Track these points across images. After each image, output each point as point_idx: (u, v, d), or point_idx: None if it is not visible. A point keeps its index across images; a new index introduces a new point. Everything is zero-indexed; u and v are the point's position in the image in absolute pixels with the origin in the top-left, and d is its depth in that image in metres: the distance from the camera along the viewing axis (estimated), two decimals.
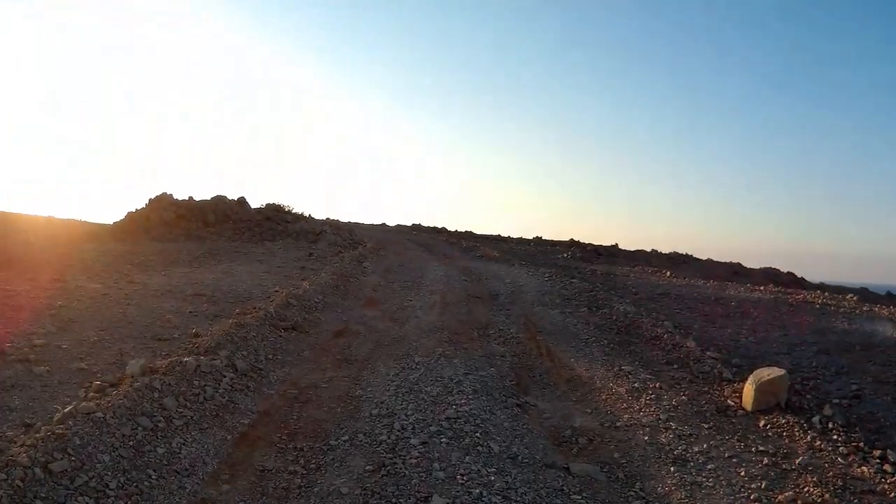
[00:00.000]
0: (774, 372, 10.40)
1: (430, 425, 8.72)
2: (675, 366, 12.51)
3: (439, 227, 54.84)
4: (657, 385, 11.24)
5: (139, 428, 7.34)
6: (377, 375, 10.83)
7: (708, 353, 12.96)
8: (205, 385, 8.91)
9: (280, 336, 12.36)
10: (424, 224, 55.46)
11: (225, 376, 9.46)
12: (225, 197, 35.69)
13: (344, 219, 51.98)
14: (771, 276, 45.38)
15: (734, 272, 44.78)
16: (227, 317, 13.03)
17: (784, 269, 47.69)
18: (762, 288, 23.80)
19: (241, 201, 36.18)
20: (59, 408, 7.55)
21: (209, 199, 34.85)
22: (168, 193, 34.13)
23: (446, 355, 12.23)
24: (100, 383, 8.44)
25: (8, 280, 15.40)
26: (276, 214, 36.56)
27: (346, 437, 8.28)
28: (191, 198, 34.45)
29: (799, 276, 46.60)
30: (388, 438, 8.27)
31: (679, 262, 45.81)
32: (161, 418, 7.70)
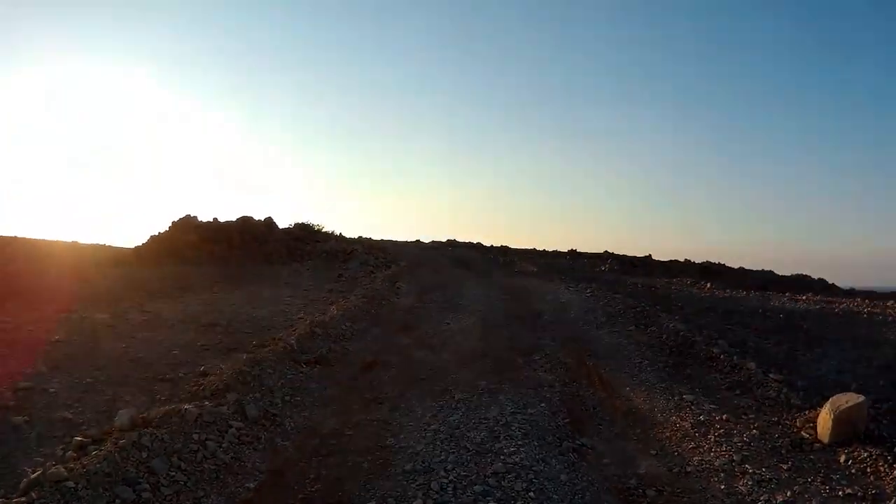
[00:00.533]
0: (853, 399, 9.06)
1: (475, 484, 7.25)
2: (738, 391, 11.16)
3: (475, 242, 53.34)
4: (724, 417, 9.85)
5: (117, 500, 5.98)
6: (411, 417, 9.40)
7: (770, 374, 11.64)
8: (206, 439, 7.52)
9: (301, 372, 10.99)
10: (460, 240, 53.93)
11: (231, 426, 8.08)
12: (251, 217, 34.48)
13: (377, 237, 50.81)
14: (803, 283, 44.09)
15: (767, 280, 43.49)
16: (243, 350, 11.75)
17: (814, 276, 46.90)
18: (803, 297, 22.55)
19: (269, 222, 34.96)
20: (29, 471, 6.23)
21: (235, 220, 33.63)
22: (192, 215, 32.98)
23: (490, 390, 10.76)
24: (81, 439, 7.10)
25: (11, 312, 14.16)
26: (305, 234, 35.42)
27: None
28: (215, 219, 33.28)
29: (828, 282, 45.86)
30: None
31: (713, 273, 44.36)
32: (147, 486, 6.34)
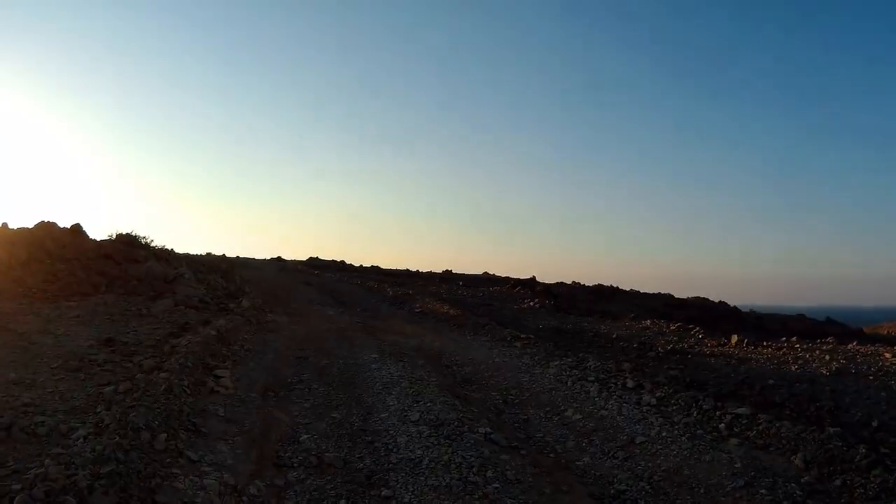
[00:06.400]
0: None
1: None
2: None
3: (338, 260, 39.38)
4: None
5: None
6: None
7: None
8: None
9: None
10: (322, 257, 39.88)
11: None
12: (54, 224, 20.05)
13: (236, 254, 36.59)
14: (707, 307, 35.77)
15: (668, 305, 34.16)
16: None
17: (714, 299, 38.25)
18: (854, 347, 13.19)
19: (76, 230, 20.38)
20: None
21: (33, 226, 19.45)
22: None
23: None
24: None
25: None
26: (121, 249, 20.92)
27: None
28: (5, 224, 19.03)
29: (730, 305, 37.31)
30: None
31: (606, 296, 34.19)
32: None
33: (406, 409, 7.14)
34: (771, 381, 9.66)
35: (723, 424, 7.15)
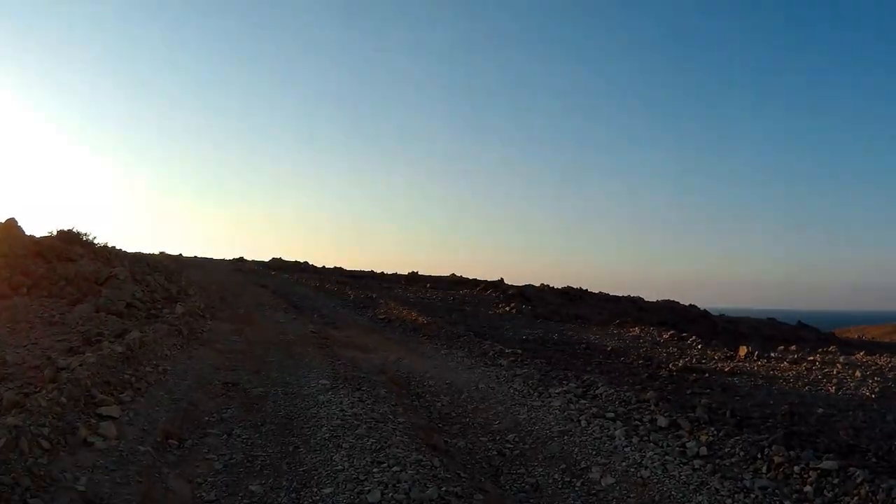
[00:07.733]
0: None
1: None
2: None
3: (301, 261, 36.70)
4: None
5: None
6: None
7: None
8: None
9: None
10: (286, 258, 37.16)
11: None
12: None
13: (196, 254, 33.87)
14: (677, 311, 33.35)
15: (639, 308, 31.96)
16: None
17: (683, 302, 35.73)
18: None
19: (10, 225, 17.72)
20: None
21: None
22: None
23: None
24: None
25: None
26: (57, 246, 18.29)
27: None
28: None
29: (689, 306, 35.07)
30: None
31: (575, 299, 31.89)
32: None
33: (363, 476, 4.73)
34: (820, 410, 7.51)
35: (809, 487, 4.96)
